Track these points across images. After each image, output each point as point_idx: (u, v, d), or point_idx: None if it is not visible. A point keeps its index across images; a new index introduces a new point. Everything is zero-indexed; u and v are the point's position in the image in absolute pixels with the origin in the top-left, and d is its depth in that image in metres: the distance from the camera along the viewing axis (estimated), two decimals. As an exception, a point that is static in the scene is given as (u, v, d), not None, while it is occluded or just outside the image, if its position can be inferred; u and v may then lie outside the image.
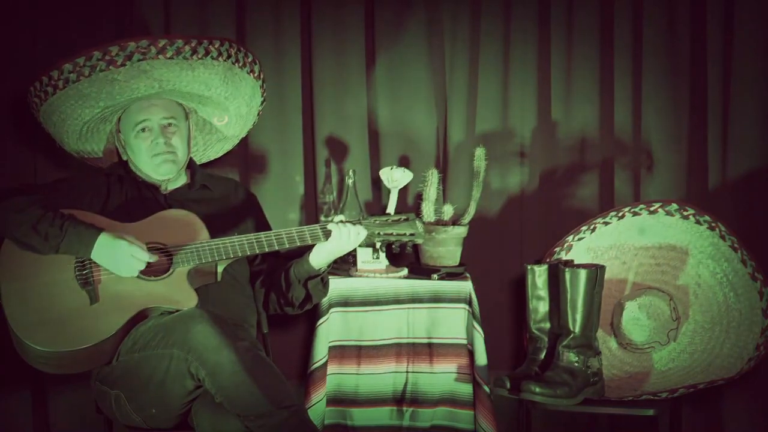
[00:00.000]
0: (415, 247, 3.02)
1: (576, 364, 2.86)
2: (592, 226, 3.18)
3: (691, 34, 3.27)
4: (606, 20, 3.28)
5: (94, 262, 2.54)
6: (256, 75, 2.84)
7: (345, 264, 3.11)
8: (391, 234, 2.66)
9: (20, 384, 3.11)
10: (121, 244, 2.50)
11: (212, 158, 3.11)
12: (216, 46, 2.70)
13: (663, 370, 3.05)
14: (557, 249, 3.19)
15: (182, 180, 2.83)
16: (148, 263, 2.51)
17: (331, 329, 3.00)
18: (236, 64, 2.76)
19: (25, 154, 3.12)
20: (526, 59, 3.29)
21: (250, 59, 2.80)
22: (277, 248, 2.63)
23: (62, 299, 2.52)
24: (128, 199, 2.74)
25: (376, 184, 3.28)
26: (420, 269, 3.10)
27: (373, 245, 2.70)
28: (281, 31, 3.24)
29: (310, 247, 2.70)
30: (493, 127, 3.30)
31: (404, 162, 3.29)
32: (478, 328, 3.02)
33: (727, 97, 3.26)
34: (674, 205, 3.14)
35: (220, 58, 2.71)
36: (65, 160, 3.03)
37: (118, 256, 2.50)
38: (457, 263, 3.12)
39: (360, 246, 2.70)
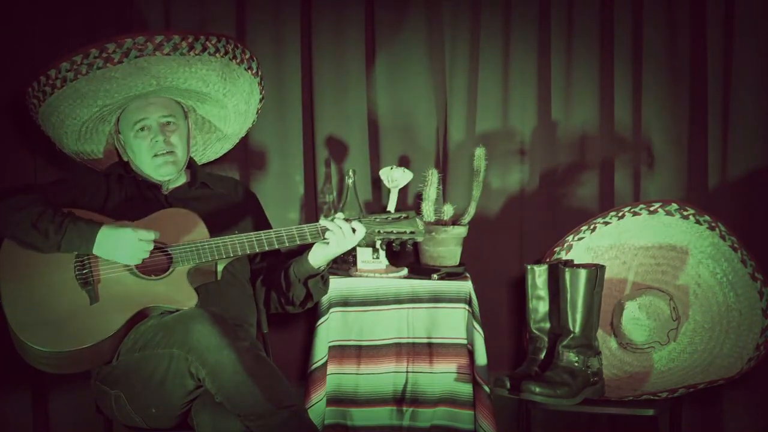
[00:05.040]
0: (415, 246, 3.02)
1: (576, 364, 2.86)
2: (592, 226, 3.18)
3: (691, 34, 3.27)
4: (606, 20, 3.28)
5: (94, 262, 2.54)
6: (254, 72, 2.84)
7: (345, 264, 3.11)
8: (392, 232, 2.66)
9: (20, 384, 3.11)
10: (125, 231, 2.52)
11: (212, 158, 3.11)
12: (213, 42, 2.69)
13: (663, 370, 3.05)
14: (557, 249, 3.19)
15: (182, 179, 2.83)
16: (151, 252, 2.52)
17: (331, 329, 3.00)
18: (234, 61, 2.75)
19: (25, 154, 3.12)
20: (526, 59, 3.29)
21: (247, 56, 2.80)
22: (277, 247, 2.63)
23: (62, 299, 2.52)
24: (128, 198, 2.74)
25: (376, 183, 3.28)
26: (420, 269, 3.10)
27: (373, 244, 2.70)
28: (281, 31, 3.24)
29: (309, 246, 2.70)
30: (493, 127, 3.30)
31: (404, 162, 3.29)
32: (478, 328, 3.02)
33: (727, 96, 3.27)
34: (674, 205, 3.14)
35: (217, 54, 2.70)
36: (65, 160, 3.03)
37: (124, 242, 2.51)
38: (457, 263, 3.12)
39: (360, 245, 2.70)
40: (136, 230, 2.52)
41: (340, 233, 2.62)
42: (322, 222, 2.64)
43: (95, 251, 2.52)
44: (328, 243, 2.64)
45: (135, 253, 2.52)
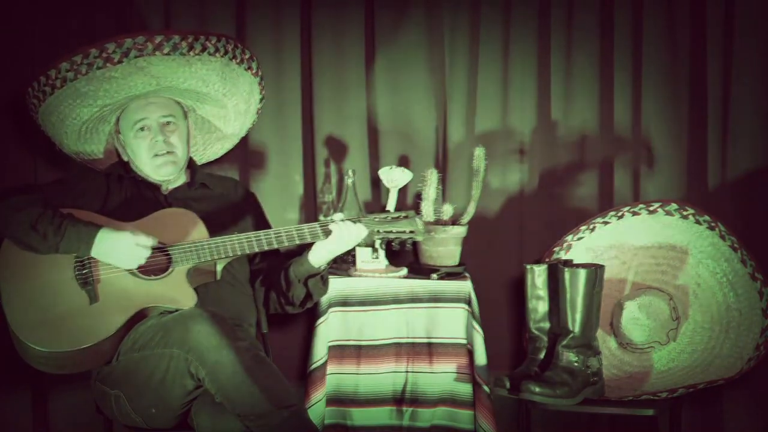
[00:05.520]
0: (415, 246, 3.02)
1: (576, 364, 2.86)
2: (591, 226, 3.18)
3: (691, 34, 3.27)
4: (606, 19, 3.28)
5: (94, 262, 2.54)
6: (254, 72, 2.84)
7: (344, 264, 3.11)
8: (391, 231, 2.66)
9: (20, 384, 3.11)
10: (124, 235, 2.51)
11: (212, 158, 3.11)
12: (213, 42, 2.69)
13: (663, 370, 3.05)
14: (557, 249, 3.19)
15: (182, 179, 2.83)
16: (151, 255, 2.52)
17: (331, 329, 3.00)
18: (233, 60, 2.75)
19: (25, 154, 3.12)
20: (525, 59, 3.29)
21: (247, 56, 2.80)
22: (276, 247, 2.63)
23: (62, 299, 2.52)
24: (128, 198, 2.74)
25: (376, 183, 3.28)
26: (419, 269, 3.10)
27: (372, 244, 2.70)
28: (281, 30, 3.24)
29: (309, 246, 2.70)
30: (493, 127, 3.30)
31: (404, 161, 3.29)
32: (478, 328, 3.02)
33: (727, 96, 3.27)
34: (674, 205, 3.14)
35: (217, 54, 2.70)
36: (65, 160, 3.03)
37: (122, 247, 2.50)
38: (457, 263, 3.12)
39: (360, 245, 2.70)
40: (135, 235, 2.52)
41: (340, 233, 2.62)
42: (323, 222, 2.64)
43: (93, 254, 2.52)
44: (328, 243, 2.64)
45: (132, 259, 2.52)
